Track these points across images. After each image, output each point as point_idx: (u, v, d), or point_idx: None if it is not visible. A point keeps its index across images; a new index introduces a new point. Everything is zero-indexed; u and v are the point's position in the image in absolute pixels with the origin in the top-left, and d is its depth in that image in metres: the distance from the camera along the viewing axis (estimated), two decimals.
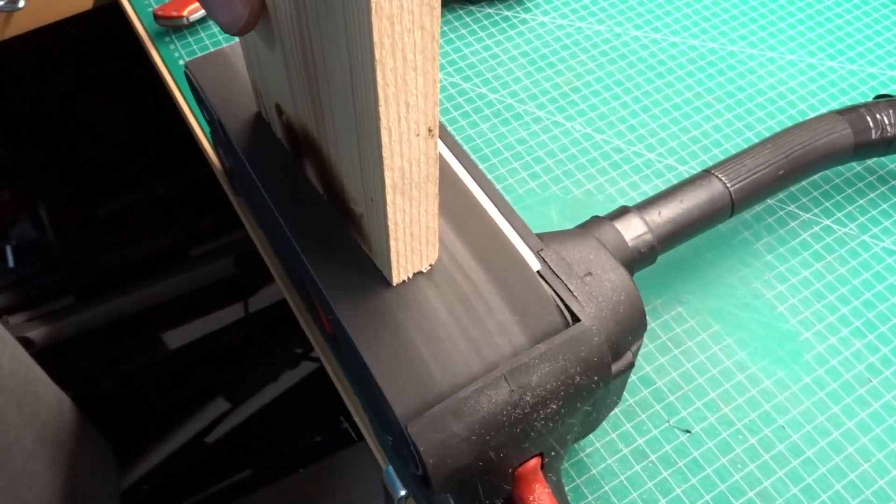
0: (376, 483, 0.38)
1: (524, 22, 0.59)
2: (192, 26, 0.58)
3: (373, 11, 0.20)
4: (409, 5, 0.21)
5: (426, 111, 0.24)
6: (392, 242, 0.28)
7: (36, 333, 0.90)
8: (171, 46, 0.57)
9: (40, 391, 0.64)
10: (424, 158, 0.26)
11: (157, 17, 0.57)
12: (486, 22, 0.59)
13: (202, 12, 0.57)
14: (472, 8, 0.60)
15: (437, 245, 0.30)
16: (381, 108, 0.23)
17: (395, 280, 0.30)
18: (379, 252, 0.30)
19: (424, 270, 0.31)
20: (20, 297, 0.92)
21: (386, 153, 0.24)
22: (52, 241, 0.92)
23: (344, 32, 0.23)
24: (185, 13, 0.57)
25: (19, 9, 0.62)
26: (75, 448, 0.68)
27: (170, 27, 0.58)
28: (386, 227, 0.27)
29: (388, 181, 0.25)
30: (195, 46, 0.57)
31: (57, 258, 0.93)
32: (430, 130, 0.25)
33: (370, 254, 0.32)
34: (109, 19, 0.65)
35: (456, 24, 0.59)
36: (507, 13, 0.60)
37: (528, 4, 0.60)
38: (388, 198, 0.26)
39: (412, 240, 0.29)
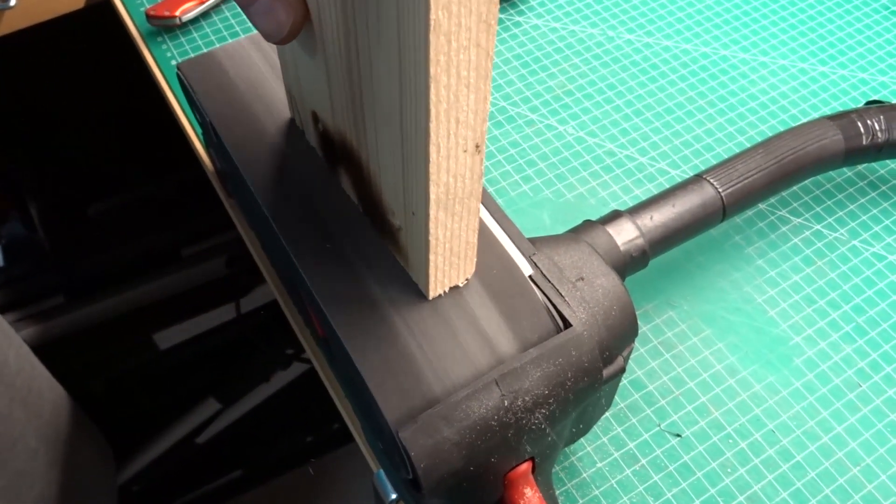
0: (367, 484, 0.38)
1: (518, 25, 0.59)
2: (185, 26, 0.58)
3: (431, 28, 0.20)
4: (466, 22, 0.21)
5: (475, 127, 0.24)
6: (432, 257, 0.28)
7: (27, 333, 0.89)
8: (164, 46, 0.57)
9: (43, 388, 0.63)
10: (470, 174, 0.26)
11: (149, 17, 0.57)
12: None
13: (195, 12, 0.57)
14: None
15: (475, 259, 0.30)
16: (433, 125, 0.23)
17: (432, 294, 0.30)
18: (417, 266, 0.30)
19: (461, 285, 0.31)
20: (11, 297, 0.91)
21: (433, 169, 0.24)
22: (43, 241, 0.92)
23: (397, 47, 0.23)
24: (177, 13, 0.56)
25: (10, 7, 0.62)
26: (76, 445, 0.68)
27: (162, 27, 0.58)
28: (427, 241, 0.27)
29: (432, 196, 0.25)
30: (188, 47, 0.57)
31: (48, 257, 0.93)
32: (477, 146, 0.25)
33: (406, 266, 0.31)
34: (101, 18, 0.64)
35: None
36: (500, 16, 0.60)
37: (522, 7, 0.60)
38: (432, 213, 0.26)
39: (451, 254, 0.29)
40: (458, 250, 0.29)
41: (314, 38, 0.29)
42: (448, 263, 0.29)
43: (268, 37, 0.26)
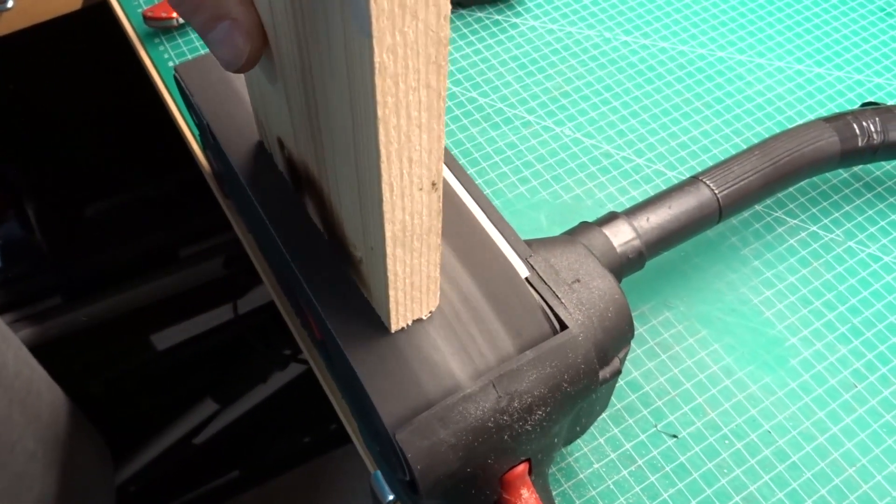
0: (364, 486, 0.38)
1: (515, 26, 0.59)
2: (182, 28, 0.58)
3: (377, 71, 0.20)
4: (414, 64, 0.20)
5: (430, 166, 0.24)
6: (391, 292, 0.28)
7: (24, 334, 0.89)
8: (161, 48, 0.57)
9: (42, 390, 0.63)
10: (427, 211, 0.25)
11: (146, 19, 0.57)
12: (476, 26, 0.59)
13: None
14: (463, 12, 0.60)
15: (438, 293, 0.30)
16: (384, 165, 0.22)
17: (394, 328, 0.30)
18: (378, 298, 0.30)
19: (424, 318, 0.30)
20: (8, 298, 0.91)
21: (387, 207, 0.24)
22: (41, 242, 0.92)
23: (347, 86, 0.22)
24: (174, 14, 0.56)
25: (8, 9, 0.62)
26: (74, 447, 0.68)
27: (159, 28, 0.58)
28: (385, 276, 0.27)
29: (388, 234, 0.25)
30: (185, 48, 0.57)
31: (45, 258, 0.93)
32: (433, 184, 0.24)
33: (369, 298, 0.31)
34: (98, 20, 0.64)
35: None
36: (497, 17, 0.60)
37: (519, 9, 0.60)
38: (389, 250, 0.26)
39: (412, 289, 0.28)
40: (420, 285, 0.28)
41: (274, 67, 0.29)
42: (409, 298, 0.29)
43: (226, 65, 0.26)
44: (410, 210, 0.25)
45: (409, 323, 0.30)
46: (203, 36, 0.26)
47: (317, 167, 0.30)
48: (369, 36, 0.19)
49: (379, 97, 0.20)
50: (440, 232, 0.27)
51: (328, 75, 0.24)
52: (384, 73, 0.20)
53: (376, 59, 0.19)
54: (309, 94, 0.26)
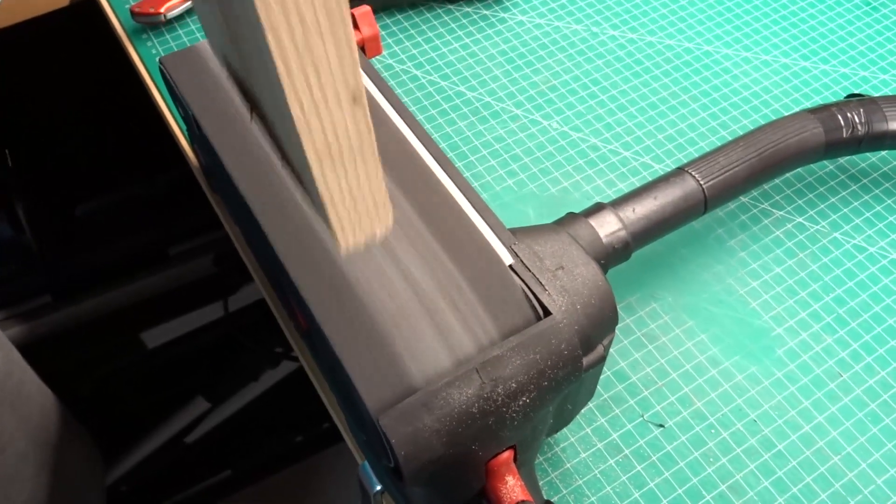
0: (354, 483, 0.38)
1: (502, 21, 0.59)
2: (170, 23, 0.58)
3: None
4: None
5: (345, 78, 0.21)
6: (332, 212, 0.26)
7: (13, 333, 0.89)
8: (149, 44, 0.57)
9: (32, 392, 0.63)
10: (354, 128, 0.23)
11: (133, 14, 0.57)
12: (464, 21, 0.59)
13: (179, 9, 0.57)
14: (451, 7, 0.60)
15: (390, 211, 0.27)
16: (284, 79, 0.20)
17: (343, 250, 0.27)
18: (325, 220, 0.27)
19: (378, 235, 0.28)
20: None
21: (302, 126, 0.22)
22: (30, 241, 0.91)
23: None
24: (162, 10, 0.56)
25: None
26: (65, 448, 0.68)
27: (147, 24, 0.58)
28: (321, 197, 0.25)
29: (310, 156, 0.23)
30: (173, 44, 0.57)
31: (35, 258, 0.92)
32: (354, 99, 0.22)
33: (322, 218, 0.29)
34: (86, 15, 0.64)
35: (434, 22, 0.59)
36: (485, 12, 0.60)
37: (507, 4, 0.60)
38: (316, 171, 0.24)
39: (355, 210, 0.26)
40: (363, 203, 0.26)
41: None
42: (354, 220, 0.26)
43: None
44: (332, 129, 0.23)
45: (361, 243, 0.27)
46: None
47: (251, 86, 0.28)
48: None
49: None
50: (375, 148, 0.24)
51: None
52: None
53: None
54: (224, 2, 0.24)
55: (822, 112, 0.45)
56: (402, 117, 0.38)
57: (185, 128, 0.53)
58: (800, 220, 0.49)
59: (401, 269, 0.31)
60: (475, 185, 0.50)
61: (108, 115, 0.88)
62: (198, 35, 0.58)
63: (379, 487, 0.35)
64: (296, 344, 0.45)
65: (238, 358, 1.05)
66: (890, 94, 0.53)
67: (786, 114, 0.53)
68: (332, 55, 0.21)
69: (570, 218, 0.38)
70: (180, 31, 0.58)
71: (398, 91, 0.55)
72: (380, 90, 0.39)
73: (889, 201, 0.49)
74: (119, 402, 1.02)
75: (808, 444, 0.40)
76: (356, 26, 0.44)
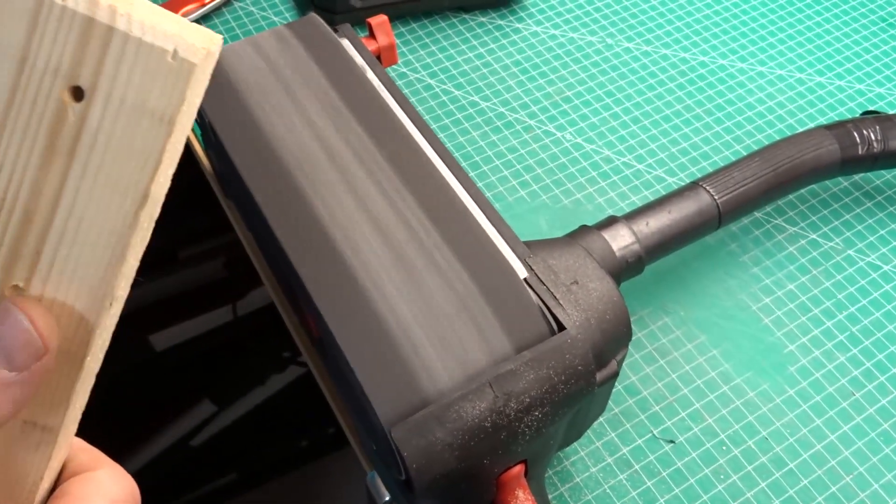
0: (361, 489, 0.38)
1: (517, 31, 0.59)
2: None
3: None
4: None
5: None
6: None
7: None
8: None
9: None
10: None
11: None
12: (479, 30, 0.59)
13: (195, 15, 0.57)
14: (466, 16, 0.60)
15: None
16: None
17: None
18: None
19: None
20: None
21: None
22: None
23: None
24: (181, 14, 0.57)
25: None
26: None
27: None
28: None
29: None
30: None
31: None
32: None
33: None
34: None
35: (449, 31, 0.59)
36: (500, 22, 0.60)
37: (522, 14, 0.60)
38: None
39: None
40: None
41: None
42: None
43: None
44: None
45: None
46: None
47: None
48: None
49: None
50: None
51: None
52: None
53: None
54: None
55: (837, 128, 0.45)
56: (416, 126, 0.38)
57: (198, 131, 0.53)
58: (814, 236, 0.48)
59: (414, 279, 0.31)
60: (488, 195, 0.50)
61: None
62: None
63: (387, 498, 0.34)
64: (304, 349, 0.45)
65: (245, 362, 1.05)
66: None
67: (800, 129, 0.53)
68: None
69: (584, 231, 0.38)
70: None
71: (412, 100, 0.55)
72: (395, 99, 0.39)
73: None
74: (125, 404, 1.02)
75: (820, 463, 0.40)
76: (373, 35, 0.44)
